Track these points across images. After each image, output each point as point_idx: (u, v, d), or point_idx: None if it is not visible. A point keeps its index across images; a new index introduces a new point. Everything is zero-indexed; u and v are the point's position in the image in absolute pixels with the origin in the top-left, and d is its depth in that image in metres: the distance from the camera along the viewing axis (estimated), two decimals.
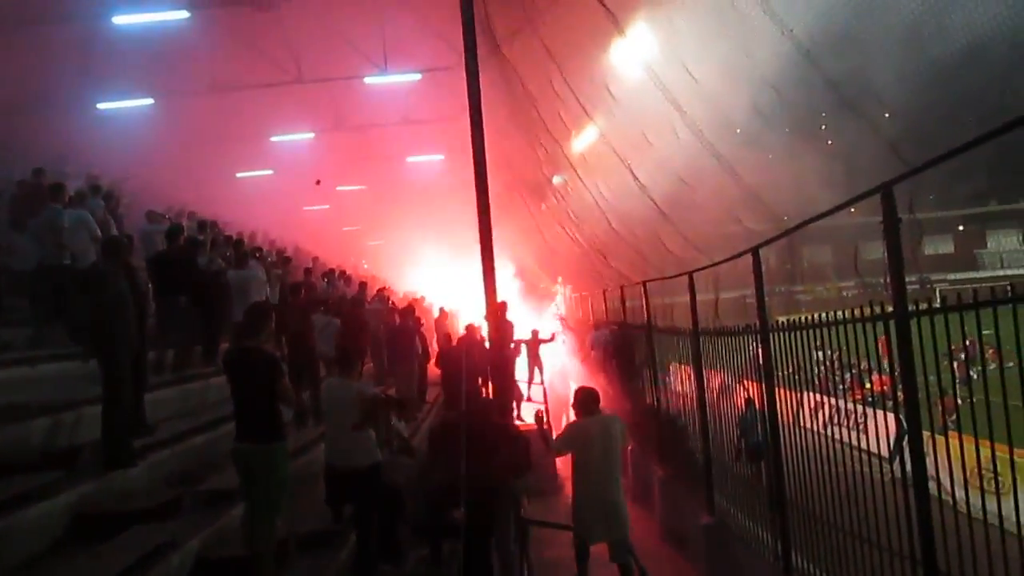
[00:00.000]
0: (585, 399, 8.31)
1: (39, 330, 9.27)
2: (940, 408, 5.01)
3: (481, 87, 12.06)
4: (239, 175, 26.66)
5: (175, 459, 7.73)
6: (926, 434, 4.82)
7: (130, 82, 20.51)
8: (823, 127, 22.36)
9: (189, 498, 6.97)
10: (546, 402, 19.72)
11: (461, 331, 17.72)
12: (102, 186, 12.71)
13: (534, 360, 20.66)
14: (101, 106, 21.27)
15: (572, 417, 8.97)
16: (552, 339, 21.73)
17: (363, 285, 18.11)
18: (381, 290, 20.45)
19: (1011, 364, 3.98)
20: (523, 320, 23.54)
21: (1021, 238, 53.86)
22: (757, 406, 7.96)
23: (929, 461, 4.71)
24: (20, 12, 16.91)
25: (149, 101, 21.96)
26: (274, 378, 5.95)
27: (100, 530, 5.91)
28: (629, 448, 15.41)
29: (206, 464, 8.10)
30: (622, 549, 8.00)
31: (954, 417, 4.96)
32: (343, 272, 19.01)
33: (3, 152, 14.67)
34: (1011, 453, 4.01)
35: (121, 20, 18.44)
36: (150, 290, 9.90)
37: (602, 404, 17.78)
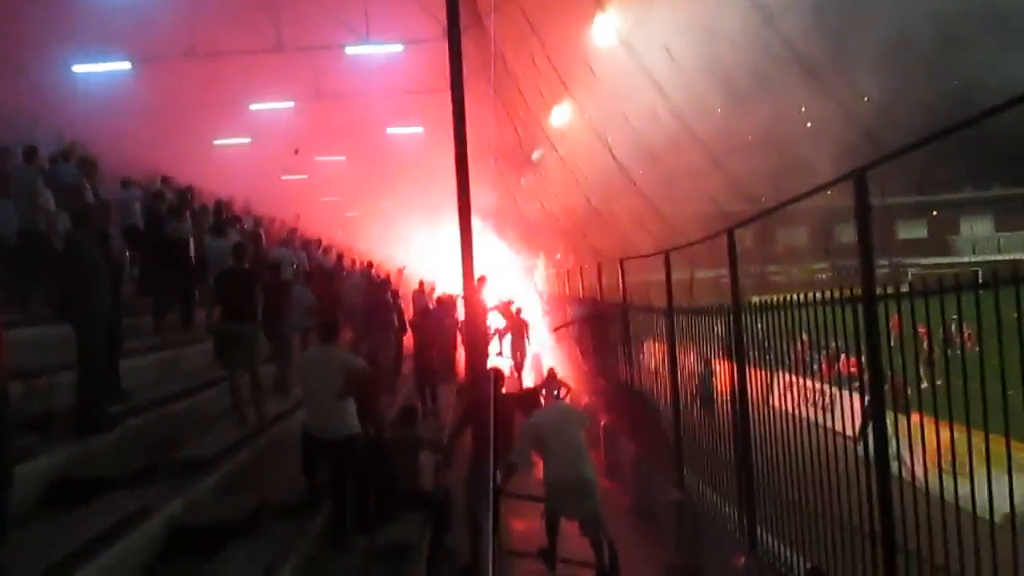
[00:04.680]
0: (527, 402, 8.58)
1: (21, 296, 9.20)
2: (891, 389, 5.15)
3: (463, 60, 12.03)
4: (217, 143, 26.38)
5: (151, 426, 7.74)
6: (891, 415, 4.96)
7: (107, 45, 20.18)
8: (802, 109, 22.55)
9: (164, 465, 6.99)
10: (519, 380, 19.88)
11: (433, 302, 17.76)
12: (76, 151, 12.55)
13: (518, 341, 20.61)
14: (77, 69, 20.95)
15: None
16: (519, 317, 21.62)
17: (340, 256, 18.08)
18: (368, 264, 20.38)
19: (977, 349, 4.10)
20: (503, 292, 23.59)
21: (994, 225, 54.57)
22: (713, 366, 8.46)
23: (896, 442, 4.85)
24: None
25: (126, 65, 21.64)
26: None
27: (75, 496, 5.93)
28: (602, 423, 15.63)
29: (181, 431, 8.12)
30: (593, 524, 8.19)
31: (904, 400, 5.10)
32: (320, 242, 18.92)
33: None
34: (968, 434, 4.13)
35: None
36: (126, 257, 9.85)
37: (576, 380, 17.96)
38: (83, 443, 6.66)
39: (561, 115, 25.01)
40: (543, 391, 15.10)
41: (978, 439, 4.12)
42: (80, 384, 6.82)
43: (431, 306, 17.01)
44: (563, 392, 15.70)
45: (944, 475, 4.53)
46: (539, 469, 9.02)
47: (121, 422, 7.26)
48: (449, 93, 10.36)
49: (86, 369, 6.83)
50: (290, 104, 26.03)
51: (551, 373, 17.16)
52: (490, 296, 18.48)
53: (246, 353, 8.98)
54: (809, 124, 22.99)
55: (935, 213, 54.58)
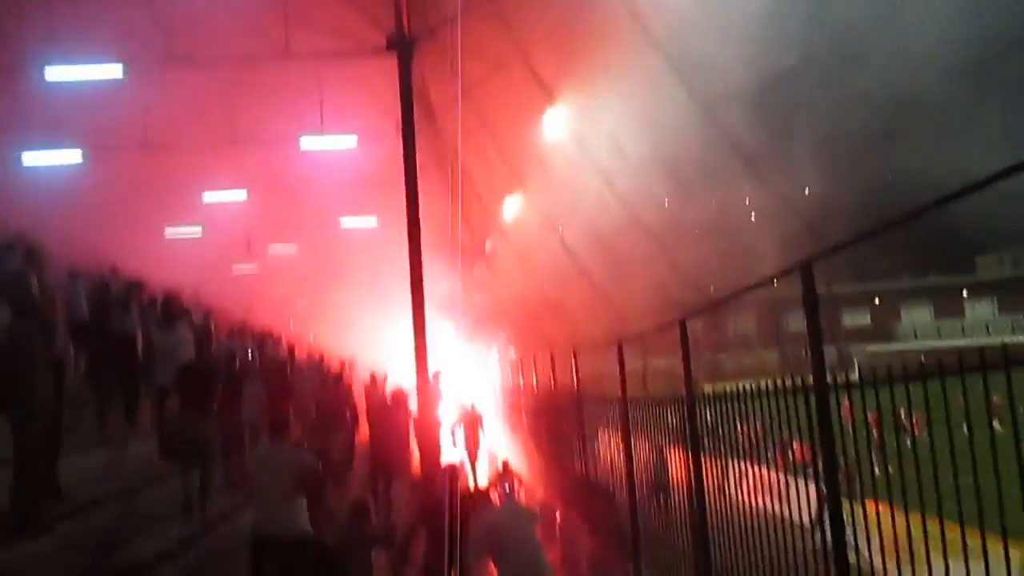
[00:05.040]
0: (478, 501, 8.48)
1: None
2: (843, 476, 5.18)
3: (416, 153, 12.27)
4: (168, 233, 26.21)
5: (90, 527, 7.42)
6: (846, 503, 4.97)
7: (58, 135, 20.14)
8: (746, 201, 23.31)
9: (103, 571, 6.68)
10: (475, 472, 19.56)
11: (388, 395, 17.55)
12: (22, 241, 12.35)
13: (472, 433, 20.24)
14: (27, 158, 20.80)
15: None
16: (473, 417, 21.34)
17: (292, 348, 17.85)
18: (319, 356, 20.13)
19: (925, 434, 4.17)
20: (460, 383, 23.41)
21: (933, 311, 56.27)
22: (665, 456, 8.36)
23: (852, 530, 4.85)
24: None
25: (77, 155, 21.56)
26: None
27: None
28: (557, 515, 15.39)
29: (123, 534, 7.79)
30: None
31: (856, 486, 5.14)
32: (270, 335, 18.71)
33: None
34: (923, 522, 4.16)
35: (54, 74, 18.12)
36: (70, 352, 9.60)
37: (530, 472, 17.71)
38: (17, 546, 6.34)
39: (513, 206, 25.44)
40: (496, 487, 14.86)
41: (933, 526, 4.15)
42: (16, 483, 6.53)
43: (387, 399, 16.80)
44: (517, 486, 15.41)
45: (901, 564, 4.53)
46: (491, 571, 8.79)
47: (59, 523, 6.95)
48: (403, 185, 10.51)
49: (23, 467, 6.56)
50: (243, 194, 26.09)
51: (504, 465, 16.88)
52: (446, 392, 18.31)
53: (200, 448, 8.77)
54: (752, 215, 23.73)
55: (877, 301, 56.20)
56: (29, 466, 6.60)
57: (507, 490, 15.76)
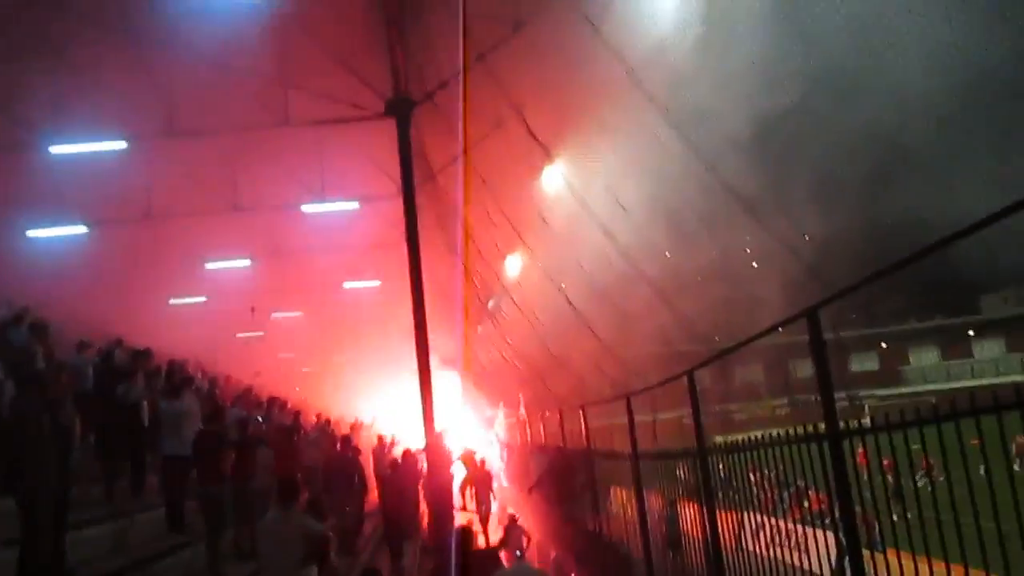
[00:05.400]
0: (488, 561, 8.35)
1: None
2: (864, 526, 5.09)
3: (417, 214, 12.38)
4: (173, 302, 26.30)
5: None
6: (866, 552, 4.88)
7: (63, 209, 20.35)
8: (747, 250, 23.40)
9: None
10: (485, 534, 19.34)
11: (397, 457, 17.43)
12: (27, 315, 12.40)
13: (483, 494, 20.01)
14: (31, 233, 21.00)
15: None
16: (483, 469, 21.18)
17: (297, 414, 17.75)
18: (325, 420, 20.04)
19: (942, 478, 4.11)
20: (465, 442, 23.25)
21: (940, 354, 55.97)
22: (678, 508, 8.28)
23: None
24: None
25: (82, 229, 21.76)
26: None
27: None
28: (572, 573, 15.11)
29: None
30: None
31: (877, 533, 5.06)
32: (276, 400, 18.61)
33: None
34: (947, 568, 4.08)
35: (58, 150, 18.40)
36: (76, 425, 9.56)
37: (542, 530, 17.48)
38: None
39: (515, 263, 25.55)
40: (506, 545, 14.64)
41: (957, 573, 4.07)
42: (22, 562, 6.44)
43: (396, 461, 16.69)
44: (525, 543, 15.17)
45: None
46: None
47: None
48: (405, 247, 10.58)
49: (31, 544, 6.47)
50: (247, 262, 26.25)
51: (511, 520, 16.67)
52: (452, 447, 18.19)
53: (216, 516, 8.79)
54: (755, 263, 23.79)
55: (884, 345, 55.94)
56: (37, 542, 6.52)
57: (518, 550, 15.55)
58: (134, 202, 21.25)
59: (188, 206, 21.72)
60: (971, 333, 55.41)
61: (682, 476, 8.35)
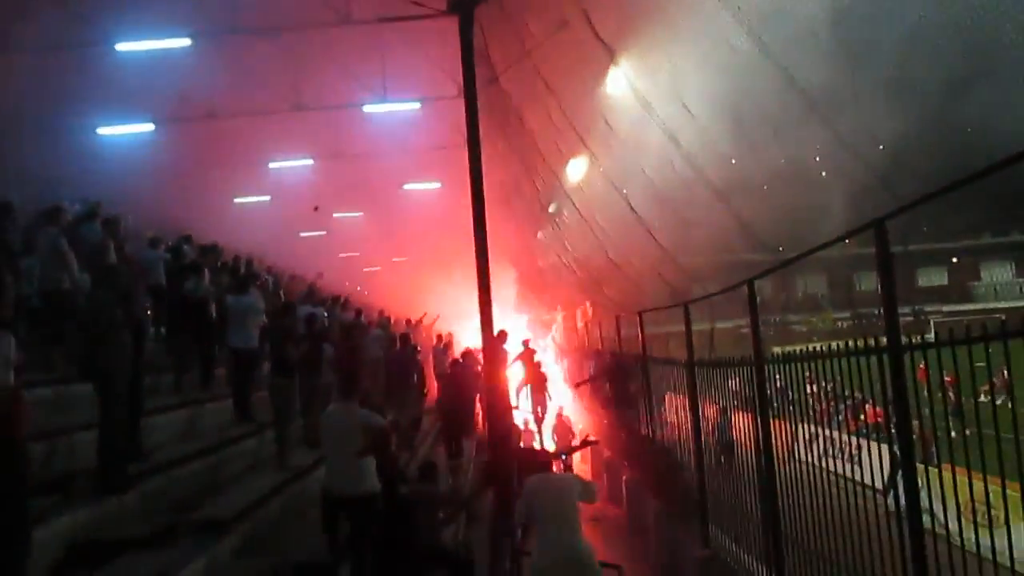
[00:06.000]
0: (538, 463, 8.37)
1: (43, 356, 9.25)
2: (920, 441, 5.03)
3: (479, 116, 12.20)
4: (236, 201, 26.75)
5: (170, 486, 7.71)
6: (920, 467, 4.85)
7: (131, 107, 20.62)
8: (817, 158, 22.62)
9: (184, 526, 6.94)
10: (541, 435, 19.75)
11: (457, 357, 17.74)
12: (99, 211, 12.72)
13: (539, 396, 20.19)
14: (101, 131, 21.39)
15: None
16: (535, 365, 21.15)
17: (359, 312, 18.12)
18: (387, 318, 20.42)
19: (1003, 397, 4.03)
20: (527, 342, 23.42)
21: (1014, 270, 54.08)
22: (731, 416, 8.37)
23: (925, 494, 4.73)
24: (20, 38, 16.99)
25: (150, 126, 22.09)
26: None
27: (93, 559, 5.88)
28: (624, 478, 15.40)
29: (202, 491, 8.07)
30: None
31: (932, 450, 5.00)
32: (339, 297, 19.00)
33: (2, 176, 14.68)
34: (1003, 486, 4.03)
35: (123, 47, 18.53)
36: (148, 317, 9.91)
37: (597, 434, 17.74)
38: (103, 504, 6.63)
39: (577, 168, 25.22)
40: (559, 454, 14.83)
41: (1012, 490, 4.02)
42: (101, 444, 6.81)
43: (458, 360, 16.98)
44: (589, 438, 15.11)
45: (979, 528, 4.41)
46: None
47: (141, 482, 7.23)
48: (466, 149, 10.46)
49: (107, 429, 6.82)
50: (309, 162, 26.45)
51: (585, 439, 15.86)
52: (511, 348, 18.37)
53: (283, 405, 9.37)
54: (823, 172, 23.02)
55: (955, 260, 54.22)
56: (113, 428, 6.87)
57: (563, 459, 15.68)
58: (199, 101, 21.40)
59: (251, 105, 21.81)
60: None
61: (737, 385, 8.34)
